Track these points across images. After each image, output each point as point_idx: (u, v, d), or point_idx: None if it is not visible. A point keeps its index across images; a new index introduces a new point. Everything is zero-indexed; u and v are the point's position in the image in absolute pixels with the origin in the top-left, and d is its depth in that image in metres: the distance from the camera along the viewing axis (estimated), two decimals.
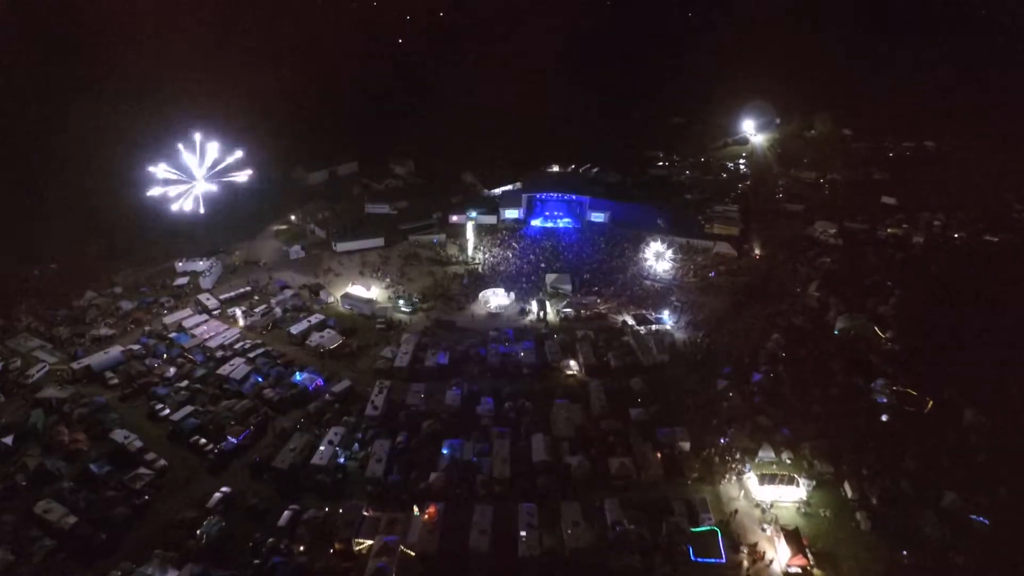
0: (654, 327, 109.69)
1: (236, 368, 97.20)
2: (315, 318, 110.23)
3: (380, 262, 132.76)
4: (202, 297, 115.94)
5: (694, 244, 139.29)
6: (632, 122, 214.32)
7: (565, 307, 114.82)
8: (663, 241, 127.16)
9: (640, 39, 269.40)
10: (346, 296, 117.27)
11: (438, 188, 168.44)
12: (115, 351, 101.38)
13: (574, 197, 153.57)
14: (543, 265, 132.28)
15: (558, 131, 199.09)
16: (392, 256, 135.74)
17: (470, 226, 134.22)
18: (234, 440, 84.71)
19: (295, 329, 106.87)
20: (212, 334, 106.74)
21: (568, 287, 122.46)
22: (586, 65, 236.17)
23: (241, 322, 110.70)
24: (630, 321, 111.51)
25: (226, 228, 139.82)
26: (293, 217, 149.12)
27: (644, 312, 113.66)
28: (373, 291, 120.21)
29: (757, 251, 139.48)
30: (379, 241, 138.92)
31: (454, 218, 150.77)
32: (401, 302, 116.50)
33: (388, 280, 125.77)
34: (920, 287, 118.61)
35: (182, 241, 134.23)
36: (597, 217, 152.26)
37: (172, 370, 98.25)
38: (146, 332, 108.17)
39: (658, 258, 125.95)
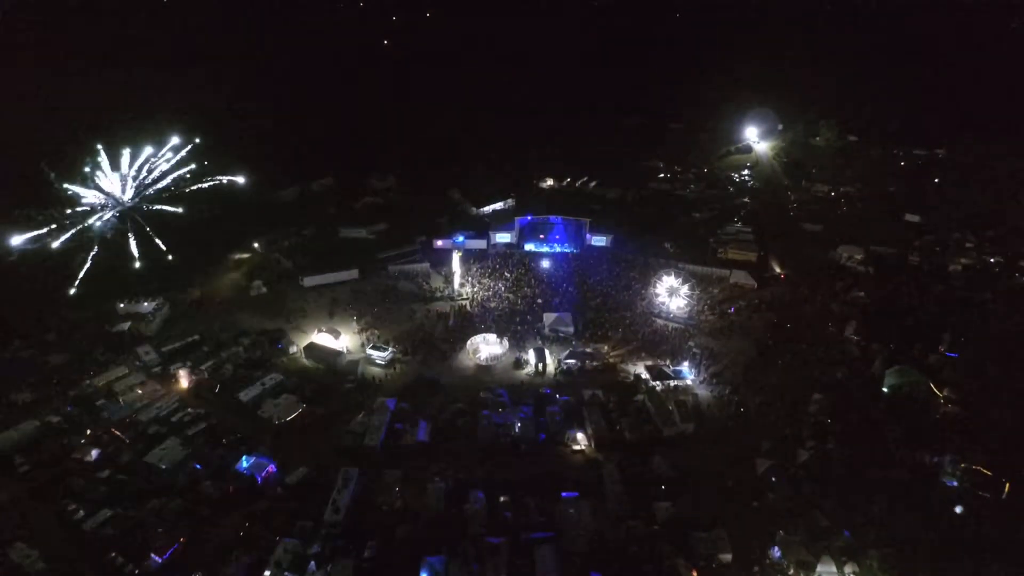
0: (673, 383, 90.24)
1: (169, 451, 76.36)
2: (271, 378, 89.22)
3: (353, 299, 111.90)
4: (141, 350, 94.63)
5: (708, 273, 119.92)
6: (627, 129, 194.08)
7: (567, 358, 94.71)
8: (676, 275, 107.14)
9: (633, 42, 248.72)
10: (310, 348, 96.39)
11: (422, 206, 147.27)
12: (28, 426, 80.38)
13: (572, 220, 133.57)
14: (540, 301, 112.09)
15: (552, 139, 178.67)
16: (368, 291, 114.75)
17: (456, 257, 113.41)
18: (159, 559, 64.30)
19: (246, 395, 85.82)
20: (146, 402, 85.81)
21: (569, 329, 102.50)
22: (580, 68, 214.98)
23: (184, 383, 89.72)
24: (644, 375, 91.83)
25: (183, 260, 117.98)
26: (256, 245, 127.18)
27: (660, 364, 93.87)
28: (343, 339, 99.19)
29: (779, 270, 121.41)
30: (353, 273, 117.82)
31: (439, 243, 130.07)
32: (375, 353, 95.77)
33: (362, 323, 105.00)
34: (972, 329, 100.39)
35: (130, 277, 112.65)
36: (598, 241, 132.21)
37: (95, 452, 77.35)
38: (71, 398, 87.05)
39: (672, 294, 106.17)
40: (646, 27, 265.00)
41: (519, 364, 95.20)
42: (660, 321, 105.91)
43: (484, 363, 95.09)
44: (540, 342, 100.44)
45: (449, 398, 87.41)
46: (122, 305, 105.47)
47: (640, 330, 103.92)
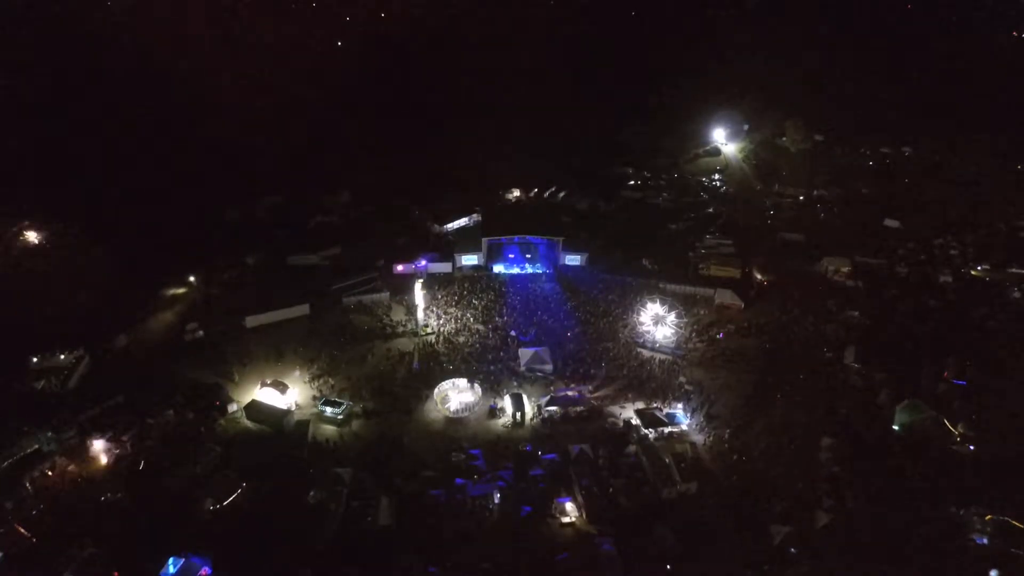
0: (667, 429, 78.96)
1: (77, 561, 61.24)
2: (207, 448, 74.41)
3: (304, 340, 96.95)
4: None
5: (691, 293, 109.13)
6: (591, 133, 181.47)
7: (548, 404, 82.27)
8: (661, 301, 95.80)
9: (592, 41, 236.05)
10: (252, 407, 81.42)
11: (381, 225, 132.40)
12: None
13: (543, 239, 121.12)
14: (513, 333, 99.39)
15: (514, 147, 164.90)
16: (320, 329, 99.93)
17: (419, 285, 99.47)
18: None
19: (176, 482, 70.50)
20: (57, 487, 69.75)
21: (548, 367, 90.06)
22: (540, 69, 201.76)
23: (103, 460, 74.04)
24: (635, 420, 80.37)
25: (106, 299, 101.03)
26: (192, 278, 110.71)
27: (652, 408, 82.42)
28: (291, 393, 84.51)
29: (761, 277, 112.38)
30: (303, 308, 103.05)
31: (399, 268, 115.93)
32: (328, 409, 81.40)
33: (313, 370, 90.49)
34: (977, 352, 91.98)
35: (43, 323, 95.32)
36: (572, 260, 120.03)
37: None
38: None
39: (657, 323, 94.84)
40: (607, 26, 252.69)
41: (494, 413, 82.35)
42: (646, 352, 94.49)
43: (454, 415, 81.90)
44: (516, 383, 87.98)
45: (416, 463, 74.28)
46: (35, 360, 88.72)
47: (625, 363, 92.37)
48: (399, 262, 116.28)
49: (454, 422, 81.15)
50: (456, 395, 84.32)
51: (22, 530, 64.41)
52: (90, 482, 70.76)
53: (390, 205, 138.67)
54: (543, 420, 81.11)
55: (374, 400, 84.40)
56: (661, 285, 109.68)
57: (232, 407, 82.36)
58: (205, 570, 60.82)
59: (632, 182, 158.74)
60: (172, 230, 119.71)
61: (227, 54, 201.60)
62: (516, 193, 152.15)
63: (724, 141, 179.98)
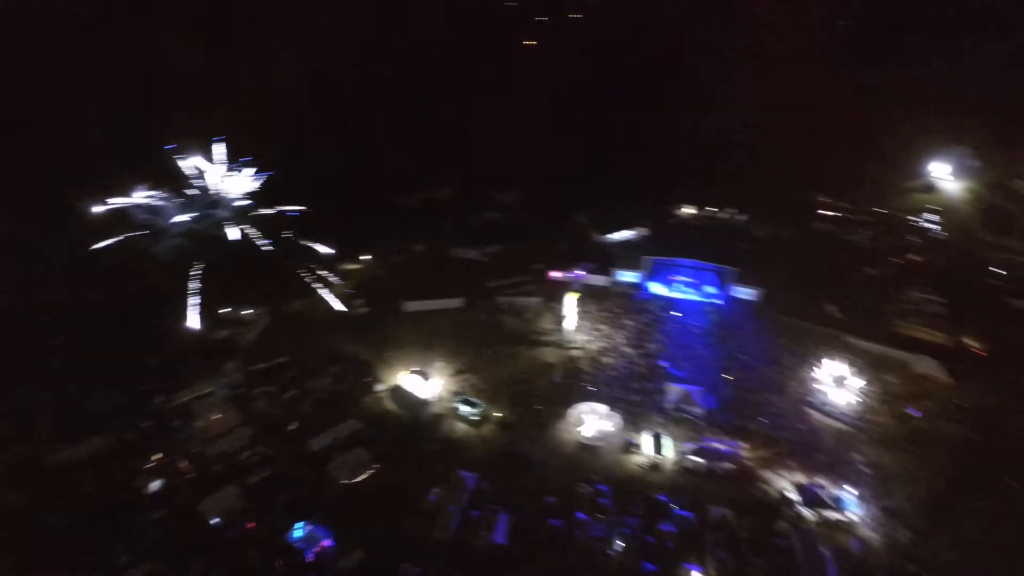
0: (830, 514, 67.03)
1: (224, 501, 66.13)
2: (347, 425, 77.65)
3: (454, 332, 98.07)
4: (230, 366, 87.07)
5: (884, 354, 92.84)
6: (783, 153, 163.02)
7: (692, 453, 74.32)
8: (845, 359, 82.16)
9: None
10: (396, 391, 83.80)
11: (544, 227, 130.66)
12: (97, 442, 74.60)
13: (714, 265, 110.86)
14: (665, 364, 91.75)
15: (694, 155, 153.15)
16: (471, 323, 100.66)
17: (571, 298, 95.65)
18: None
19: (317, 443, 74.58)
20: (219, 431, 76.74)
21: (698, 410, 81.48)
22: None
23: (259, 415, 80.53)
24: (791, 494, 69.56)
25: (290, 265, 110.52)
26: (367, 257, 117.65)
27: (815, 485, 70.79)
28: (433, 383, 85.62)
29: (976, 345, 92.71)
30: (458, 302, 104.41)
31: (555, 274, 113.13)
32: (465, 409, 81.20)
33: (457, 364, 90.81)
34: None
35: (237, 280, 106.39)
36: (744, 294, 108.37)
37: (156, 484, 69.20)
38: (150, 411, 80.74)
39: (837, 383, 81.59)
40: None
41: (630, 449, 76.16)
42: (817, 416, 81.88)
43: (588, 441, 77.09)
44: (660, 421, 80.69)
45: (540, 485, 70.83)
46: (224, 311, 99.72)
47: (790, 424, 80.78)
48: (556, 268, 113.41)
49: (586, 449, 76.32)
50: (593, 420, 79.20)
51: (185, 463, 71.77)
52: (243, 432, 77.05)
53: (556, 208, 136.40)
54: (684, 469, 73.32)
55: (510, 407, 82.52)
56: (847, 339, 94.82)
57: (379, 386, 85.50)
58: (326, 542, 63.03)
59: (826, 212, 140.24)
60: (354, 209, 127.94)
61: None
62: (689, 210, 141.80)
63: (944, 176, 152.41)
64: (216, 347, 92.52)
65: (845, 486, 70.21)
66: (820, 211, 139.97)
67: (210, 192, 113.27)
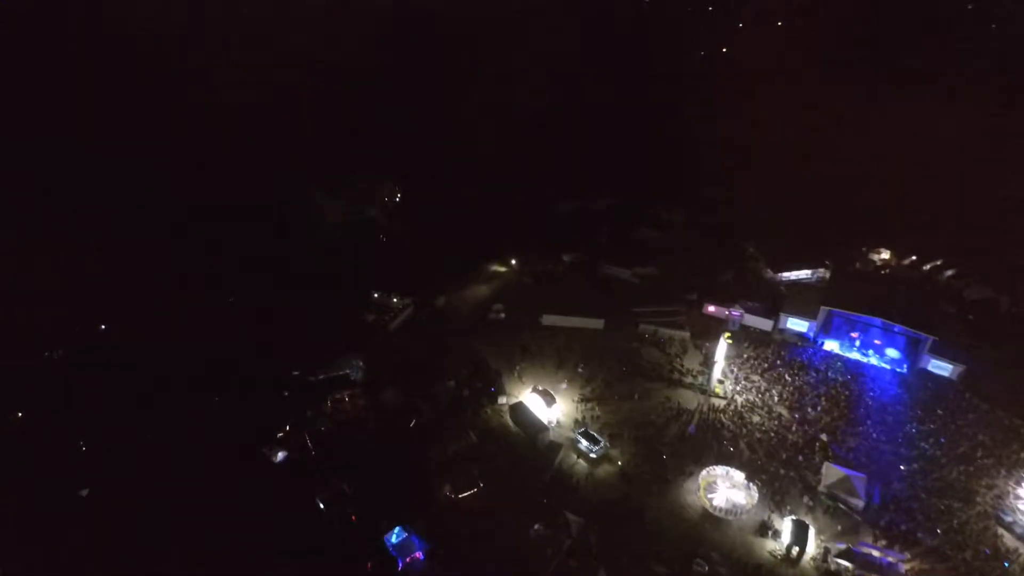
0: None
1: (334, 492, 67.66)
2: (463, 437, 75.25)
3: (588, 356, 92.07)
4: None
5: None
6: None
7: (840, 555, 61.39)
8: None
9: None
10: (516, 409, 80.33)
11: (706, 253, 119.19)
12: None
13: (907, 330, 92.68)
14: (824, 437, 78.14)
15: (902, 192, 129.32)
16: (608, 348, 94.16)
17: (724, 340, 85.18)
18: None
19: (431, 450, 73.05)
20: (344, 415, 79.35)
21: (858, 502, 67.60)
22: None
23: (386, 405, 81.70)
24: None
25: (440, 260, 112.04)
26: (514, 261, 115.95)
27: None
28: (556, 408, 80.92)
29: None
30: (598, 322, 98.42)
31: (711, 308, 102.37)
32: (584, 443, 75.18)
33: (586, 391, 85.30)
34: None
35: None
36: (939, 368, 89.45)
37: (280, 455, 72.30)
38: (291, 381, 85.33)
39: None
40: None
41: (765, 532, 65.31)
42: (1012, 540, 64.02)
43: (715, 511, 67.53)
44: (806, 503, 68.52)
45: (653, 547, 63.27)
46: (376, 295, 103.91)
47: (973, 544, 63.82)
48: (713, 302, 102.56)
49: (712, 520, 66.74)
50: (725, 488, 69.24)
51: (309, 440, 74.72)
52: (367, 421, 78.55)
53: (723, 233, 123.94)
54: (825, 572, 61.08)
55: (634, 451, 75.26)
56: None
57: (502, 400, 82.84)
58: (418, 553, 61.60)
59: None
60: (510, 212, 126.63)
61: None
62: (884, 255, 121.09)
63: None
64: (362, 330, 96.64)
65: None
66: None
67: None
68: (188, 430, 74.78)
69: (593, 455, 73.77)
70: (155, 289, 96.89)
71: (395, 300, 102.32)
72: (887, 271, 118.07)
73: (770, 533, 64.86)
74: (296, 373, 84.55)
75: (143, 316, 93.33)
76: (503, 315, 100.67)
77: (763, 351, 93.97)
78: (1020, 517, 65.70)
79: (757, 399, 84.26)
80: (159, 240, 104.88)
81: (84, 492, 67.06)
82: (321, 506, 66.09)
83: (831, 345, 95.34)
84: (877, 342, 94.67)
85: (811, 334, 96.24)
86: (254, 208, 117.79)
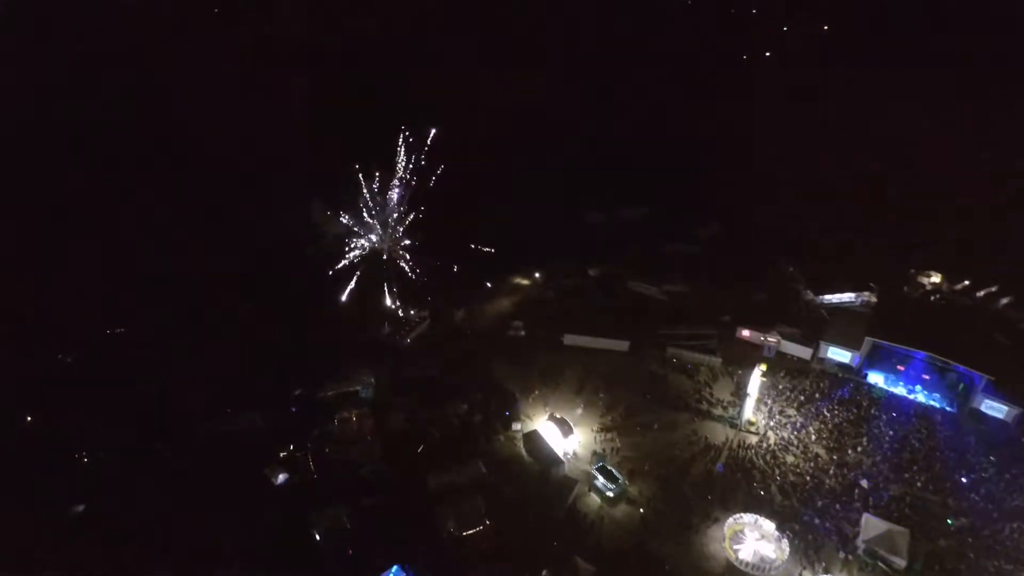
0: None
1: (332, 521, 63.31)
2: (470, 467, 70.76)
3: (610, 381, 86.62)
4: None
5: None
6: None
7: None
8: None
9: None
10: (531, 437, 75.28)
11: (741, 273, 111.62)
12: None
13: (957, 366, 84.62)
14: (865, 484, 71.15)
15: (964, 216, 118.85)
16: (632, 373, 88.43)
17: (758, 372, 78.74)
18: None
19: (434, 480, 68.40)
20: (350, 438, 75.05)
21: (900, 561, 60.90)
22: None
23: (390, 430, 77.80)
24: None
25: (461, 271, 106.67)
26: (537, 275, 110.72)
27: None
28: (573, 439, 75.57)
29: None
30: (622, 344, 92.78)
31: (745, 333, 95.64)
32: (601, 479, 69.68)
33: (606, 420, 79.85)
34: None
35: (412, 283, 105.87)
36: (993, 410, 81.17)
37: (282, 477, 68.68)
38: (296, 398, 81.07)
39: None
40: None
41: None
42: None
43: (740, 565, 61.47)
44: (843, 559, 61.93)
45: None
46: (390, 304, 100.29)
47: None
48: (748, 326, 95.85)
49: (737, 574, 61.06)
50: (753, 539, 63.08)
51: (311, 462, 71.16)
52: (371, 445, 74.24)
53: (759, 251, 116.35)
54: None
55: (654, 490, 69.59)
56: None
57: (516, 426, 78.01)
58: None
59: None
60: (534, 222, 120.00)
61: None
62: (934, 278, 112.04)
63: None
64: (376, 343, 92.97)
65: None
66: None
67: None
68: (194, 444, 72.42)
69: (610, 494, 68.40)
70: (165, 294, 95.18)
71: (412, 312, 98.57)
72: (937, 296, 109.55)
73: None
74: (298, 392, 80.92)
75: (152, 321, 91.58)
76: (523, 332, 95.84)
77: (801, 382, 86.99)
78: None
79: (792, 436, 77.59)
80: (176, 243, 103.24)
81: (79, 508, 64.96)
82: (317, 537, 62.49)
83: (876, 378, 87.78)
84: (926, 377, 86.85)
85: (855, 365, 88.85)
86: (277, 209, 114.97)
